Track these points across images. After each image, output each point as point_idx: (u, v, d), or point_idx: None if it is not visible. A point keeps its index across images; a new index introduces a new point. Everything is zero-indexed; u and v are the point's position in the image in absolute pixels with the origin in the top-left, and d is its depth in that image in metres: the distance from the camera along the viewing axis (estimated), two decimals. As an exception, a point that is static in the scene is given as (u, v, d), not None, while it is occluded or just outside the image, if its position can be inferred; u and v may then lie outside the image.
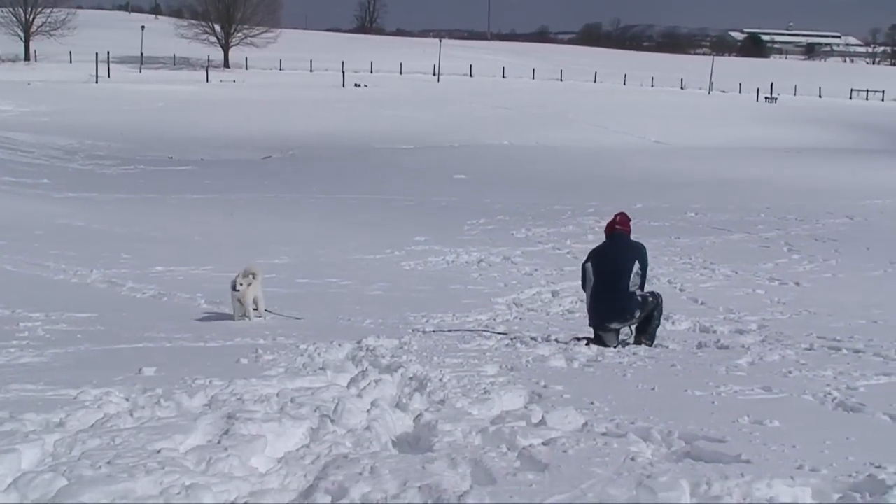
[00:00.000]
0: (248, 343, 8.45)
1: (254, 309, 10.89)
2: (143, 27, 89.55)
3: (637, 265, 9.60)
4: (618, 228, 9.91)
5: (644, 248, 9.86)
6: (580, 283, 10.09)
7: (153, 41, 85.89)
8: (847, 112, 75.43)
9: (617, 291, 9.57)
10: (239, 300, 10.73)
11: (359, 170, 33.16)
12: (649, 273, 10.18)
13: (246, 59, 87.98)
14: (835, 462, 4.53)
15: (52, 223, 19.00)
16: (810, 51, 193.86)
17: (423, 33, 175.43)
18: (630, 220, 10.14)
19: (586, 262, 9.86)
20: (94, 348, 8.16)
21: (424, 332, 10.18)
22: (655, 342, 9.66)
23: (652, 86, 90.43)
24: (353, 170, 33.12)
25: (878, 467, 4.42)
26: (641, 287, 9.63)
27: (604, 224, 20.66)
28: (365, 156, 38.65)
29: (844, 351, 8.56)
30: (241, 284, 10.66)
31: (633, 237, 10.04)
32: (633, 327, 9.72)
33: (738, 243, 19.61)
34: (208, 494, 3.96)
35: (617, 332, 9.66)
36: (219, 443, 4.73)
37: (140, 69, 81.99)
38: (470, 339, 9.49)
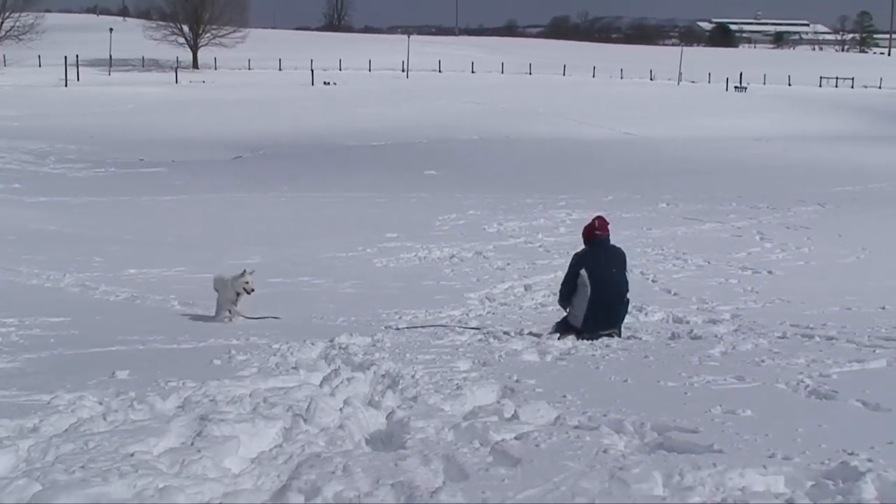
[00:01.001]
0: (221, 344, 8.40)
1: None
2: (111, 30, 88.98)
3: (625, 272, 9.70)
4: (598, 234, 9.80)
5: (625, 253, 9.95)
6: (562, 287, 9.85)
7: (122, 44, 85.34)
8: (817, 99, 75.99)
9: (621, 302, 9.61)
10: (234, 302, 10.73)
11: (329, 168, 33.08)
12: None
13: (215, 59, 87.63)
14: (807, 450, 4.54)
15: (24, 228, 18.84)
16: (779, 39, 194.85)
17: (392, 30, 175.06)
18: (608, 223, 10.05)
19: (577, 268, 9.60)
20: (68, 352, 8.08)
21: (398, 328, 10.17)
22: (627, 333, 9.70)
23: (621, 77, 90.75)
24: (324, 168, 33.04)
25: (851, 454, 4.44)
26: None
27: (576, 217, 20.92)
28: (335, 154, 38.56)
29: (817, 338, 8.60)
30: (250, 284, 10.69)
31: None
32: None
33: (709, 233, 19.72)
34: (182, 496, 3.94)
35: None
36: (192, 444, 4.70)
37: (109, 72, 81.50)
38: (443, 334, 9.48)
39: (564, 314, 9.85)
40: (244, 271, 10.83)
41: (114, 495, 3.89)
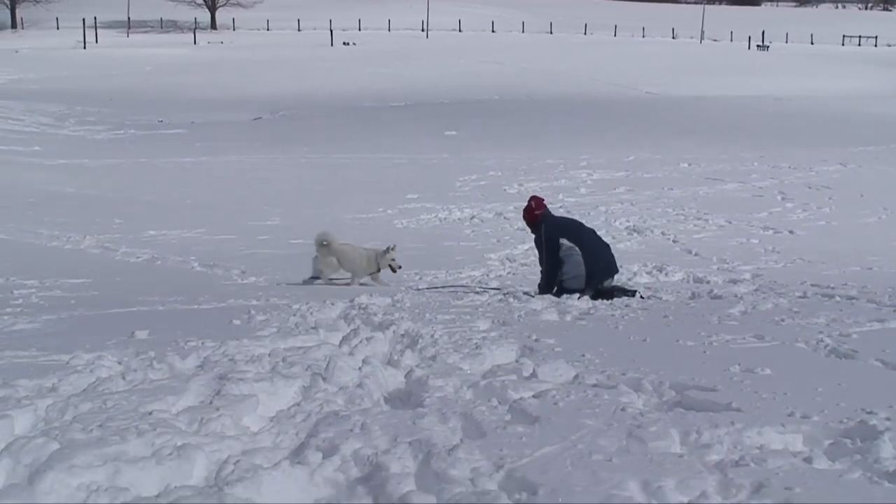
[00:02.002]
0: (241, 304, 8.46)
1: None
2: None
3: None
4: (538, 214, 10.34)
5: None
6: (547, 269, 10.13)
7: (140, 5, 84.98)
8: (840, 58, 75.04)
9: (608, 247, 9.85)
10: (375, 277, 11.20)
11: (349, 129, 33.00)
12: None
13: (233, 19, 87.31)
14: (826, 409, 4.52)
15: (44, 190, 18.95)
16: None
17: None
18: (543, 199, 10.70)
19: (554, 241, 10.01)
20: (88, 314, 8.16)
21: (418, 289, 10.20)
22: (648, 293, 9.72)
23: (643, 36, 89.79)
24: (343, 129, 32.96)
25: (870, 413, 4.42)
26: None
27: (597, 178, 20.88)
28: (355, 114, 38.45)
29: (838, 298, 8.56)
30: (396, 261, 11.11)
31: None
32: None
33: (731, 193, 19.62)
34: (200, 454, 3.96)
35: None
36: (210, 403, 4.72)
37: (128, 34, 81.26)
38: (462, 295, 9.51)
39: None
40: (388, 248, 11.07)
41: (131, 453, 3.91)
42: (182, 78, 53.80)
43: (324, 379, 5.21)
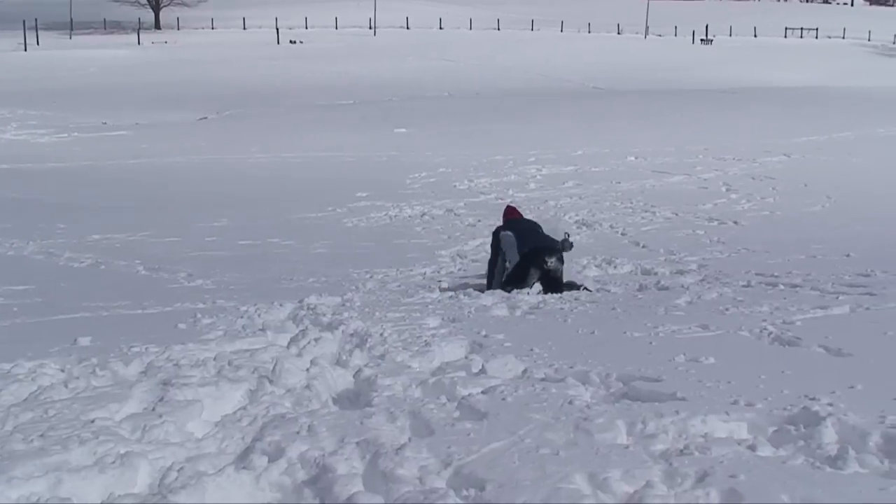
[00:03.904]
0: (187, 308, 8.35)
1: None
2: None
3: None
4: (517, 215, 11.03)
5: None
6: (489, 266, 10.61)
7: (82, 6, 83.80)
8: (782, 50, 76.10)
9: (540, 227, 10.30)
10: None
11: (297, 127, 32.77)
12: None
13: (177, 19, 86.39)
14: (770, 396, 4.58)
15: (-15, 196, 18.62)
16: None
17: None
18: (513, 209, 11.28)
19: (497, 235, 10.52)
20: (30, 321, 8.00)
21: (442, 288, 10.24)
22: (597, 286, 9.79)
23: (589, 31, 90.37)
24: (292, 128, 32.72)
25: (813, 399, 4.48)
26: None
27: (547, 173, 21.00)
28: (303, 113, 38.21)
29: (781, 286, 8.68)
30: None
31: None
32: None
33: (677, 185, 19.81)
34: (143, 462, 3.91)
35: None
36: (154, 410, 4.65)
37: (70, 35, 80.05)
38: (413, 292, 9.49)
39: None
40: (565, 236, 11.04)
41: (73, 462, 3.85)
42: (126, 79, 53.12)
43: (271, 381, 5.17)
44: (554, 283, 9.67)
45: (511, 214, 11.01)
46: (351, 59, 64.27)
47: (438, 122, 33.79)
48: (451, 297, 9.05)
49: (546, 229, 10.39)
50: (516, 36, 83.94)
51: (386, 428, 4.23)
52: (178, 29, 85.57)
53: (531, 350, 5.87)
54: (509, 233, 10.26)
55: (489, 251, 10.78)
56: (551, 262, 9.79)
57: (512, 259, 10.04)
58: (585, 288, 9.60)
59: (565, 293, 9.17)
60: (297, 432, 4.19)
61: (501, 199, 18.43)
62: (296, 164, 24.37)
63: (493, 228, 10.99)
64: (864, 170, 21.38)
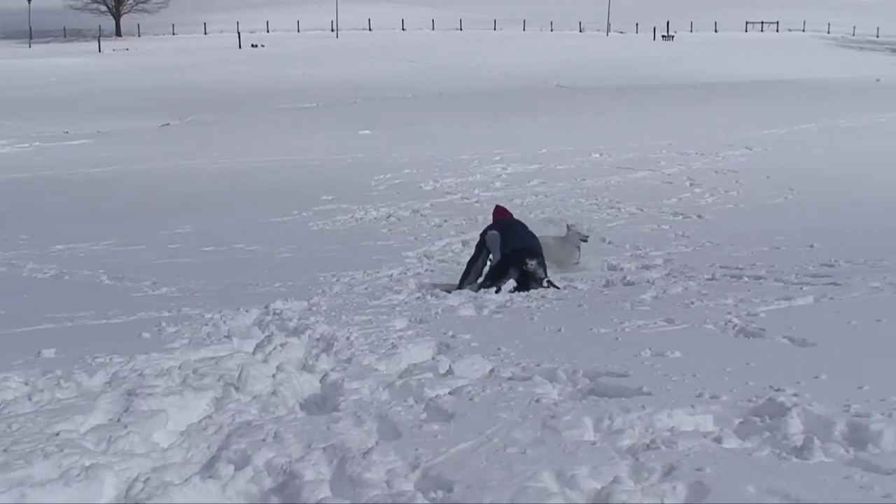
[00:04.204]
0: (151, 317, 8.28)
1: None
2: (29, 0, 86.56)
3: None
4: (506, 215, 11.01)
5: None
6: (474, 255, 10.63)
7: (41, 14, 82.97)
8: (743, 44, 76.75)
9: (532, 234, 10.29)
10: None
11: (260, 131, 32.61)
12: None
13: (138, 26, 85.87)
14: (735, 388, 4.61)
15: (-55, 209, 18.37)
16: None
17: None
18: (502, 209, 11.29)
19: (484, 234, 10.59)
20: (-7, 334, 7.91)
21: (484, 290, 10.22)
22: (564, 283, 9.82)
23: (551, 30, 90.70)
24: (255, 132, 32.55)
25: (777, 390, 4.52)
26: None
27: (512, 171, 21.03)
28: (266, 117, 38.05)
29: (746, 278, 8.75)
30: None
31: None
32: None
33: (642, 181, 19.88)
34: (109, 474, 3.87)
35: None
36: (119, 420, 4.61)
37: (29, 44, 79.23)
38: (380, 294, 9.47)
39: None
40: (568, 226, 11.24)
41: (38, 476, 3.80)
42: (87, 87, 52.67)
43: (236, 389, 5.13)
44: (531, 284, 9.70)
45: (500, 214, 11.04)
46: (313, 61, 64.07)
47: (402, 123, 33.76)
48: (418, 298, 9.05)
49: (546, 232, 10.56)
50: (479, 36, 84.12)
51: (353, 432, 4.22)
52: (139, 35, 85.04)
53: (498, 349, 5.87)
54: (495, 232, 10.34)
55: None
56: (531, 264, 9.79)
57: (495, 257, 10.12)
58: (553, 285, 9.64)
59: (531, 291, 9.20)
60: (264, 439, 4.16)
61: (467, 198, 18.43)
62: (260, 169, 24.23)
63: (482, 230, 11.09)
64: (827, 161, 21.56)
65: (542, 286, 9.60)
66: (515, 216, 11.49)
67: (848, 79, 48.69)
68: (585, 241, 11.26)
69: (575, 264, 11.13)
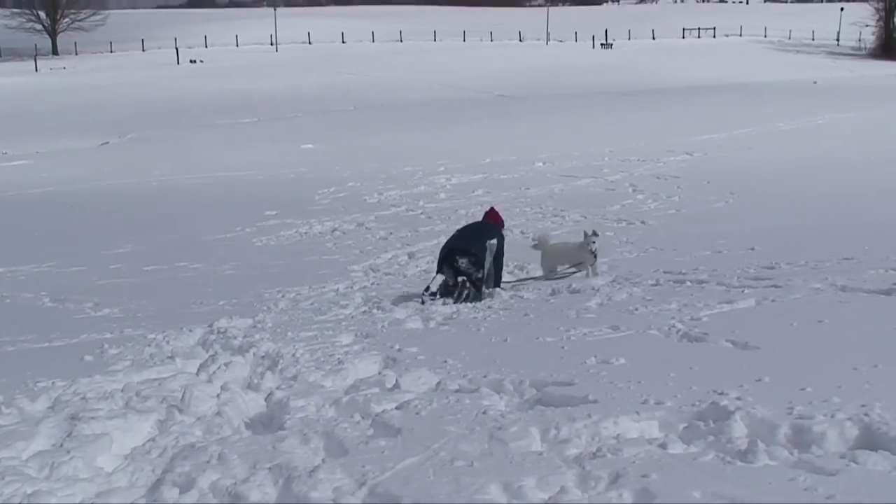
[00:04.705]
0: (94, 339, 8.15)
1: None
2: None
3: (495, 239, 10.25)
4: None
5: (501, 233, 10.69)
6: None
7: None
8: (680, 51, 77.77)
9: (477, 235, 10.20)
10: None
11: (201, 147, 32.35)
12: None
13: (75, 44, 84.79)
14: (679, 393, 4.65)
15: None
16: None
17: (258, 3, 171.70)
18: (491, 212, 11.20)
19: None
20: (-69, 361, 7.72)
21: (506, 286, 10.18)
22: (511, 293, 9.85)
23: (492, 40, 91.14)
24: (196, 148, 32.29)
25: (721, 394, 4.56)
26: (500, 261, 10.33)
27: (456, 182, 21.06)
28: (207, 133, 37.74)
29: (689, 283, 8.83)
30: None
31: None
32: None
33: (585, 188, 20.03)
34: (52, 499, 3.80)
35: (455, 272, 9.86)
36: (62, 446, 4.53)
37: (-37, 64, 77.94)
38: (326, 309, 9.41)
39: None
40: (586, 234, 10.96)
41: (-23, 506, 3.73)
42: (25, 107, 51.82)
43: (180, 410, 5.07)
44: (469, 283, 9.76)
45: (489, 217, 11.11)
46: (253, 76, 63.76)
47: (345, 136, 33.69)
48: (364, 312, 9.01)
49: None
50: (419, 47, 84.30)
51: (299, 451, 4.18)
52: (77, 54, 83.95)
53: (445, 361, 5.87)
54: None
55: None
56: (462, 262, 9.82)
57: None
58: (501, 289, 9.73)
59: (478, 303, 9.21)
60: (208, 461, 4.11)
61: (412, 210, 18.42)
62: (201, 185, 24.02)
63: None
64: (766, 164, 21.92)
65: (475, 285, 9.65)
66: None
67: (785, 82, 49.59)
68: (597, 236, 11.18)
69: (591, 266, 11.10)
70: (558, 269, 11.25)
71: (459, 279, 9.72)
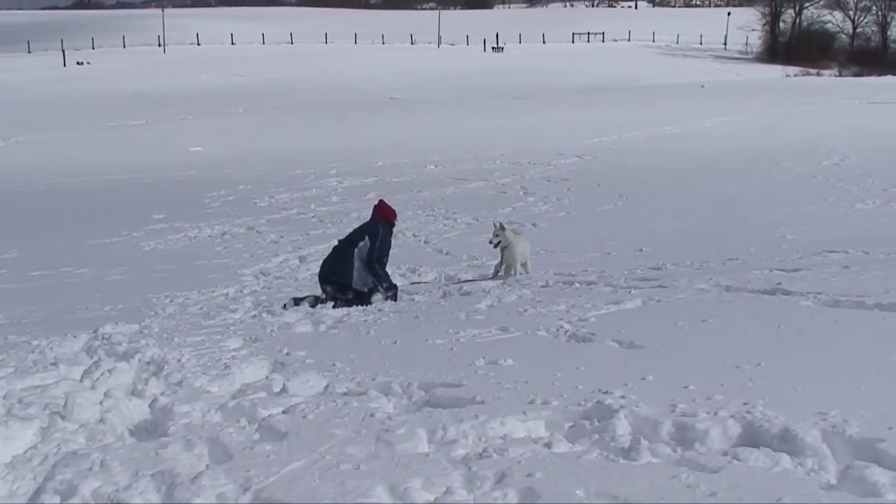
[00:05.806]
0: (-27, 346, 7.88)
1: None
2: None
3: (366, 239, 9.98)
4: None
5: (380, 226, 10.22)
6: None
7: None
8: (570, 55, 79.02)
9: (340, 253, 9.98)
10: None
11: (88, 150, 31.52)
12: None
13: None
14: (565, 393, 4.72)
15: None
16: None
17: (145, 5, 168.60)
18: (386, 207, 10.64)
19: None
20: None
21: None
22: (403, 296, 9.85)
23: (383, 43, 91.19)
24: (82, 150, 31.45)
25: (606, 393, 4.64)
26: (371, 262, 9.90)
27: (347, 185, 20.95)
28: (93, 135, 36.82)
29: (577, 284, 8.97)
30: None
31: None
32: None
33: (476, 191, 20.21)
34: (-73, 513, 3.68)
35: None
36: (-61, 456, 4.38)
37: None
38: (215, 313, 9.29)
39: None
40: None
41: None
42: None
43: (63, 417, 4.94)
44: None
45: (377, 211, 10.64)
46: (141, 77, 62.50)
47: (235, 138, 33.25)
48: (254, 316, 8.93)
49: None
50: (310, 50, 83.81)
51: (183, 457, 4.12)
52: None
53: (333, 365, 5.85)
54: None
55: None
56: (328, 289, 9.81)
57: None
58: (391, 298, 9.67)
59: (368, 306, 9.19)
60: (90, 468, 4.02)
61: (303, 213, 18.31)
62: (87, 188, 23.42)
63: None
64: (653, 167, 22.44)
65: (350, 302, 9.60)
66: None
67: (673, 85, 50.80)
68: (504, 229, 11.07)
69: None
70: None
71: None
